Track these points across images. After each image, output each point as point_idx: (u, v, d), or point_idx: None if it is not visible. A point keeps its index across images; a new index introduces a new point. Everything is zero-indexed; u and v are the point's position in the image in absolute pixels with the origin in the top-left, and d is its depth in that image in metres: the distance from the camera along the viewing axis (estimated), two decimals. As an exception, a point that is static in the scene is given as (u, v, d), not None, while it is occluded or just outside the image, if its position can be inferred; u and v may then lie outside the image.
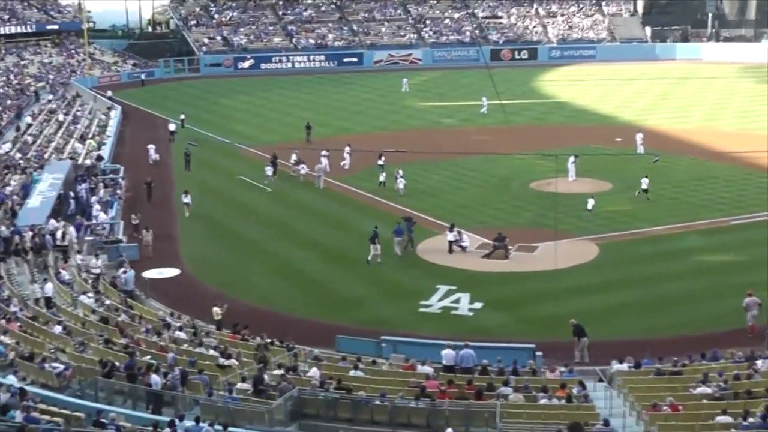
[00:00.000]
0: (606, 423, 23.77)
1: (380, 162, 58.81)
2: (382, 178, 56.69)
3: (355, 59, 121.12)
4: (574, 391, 26.63)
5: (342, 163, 61.63)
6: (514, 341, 33.44)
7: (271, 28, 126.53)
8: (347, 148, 62.34)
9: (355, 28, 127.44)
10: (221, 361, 28.91)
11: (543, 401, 25.84)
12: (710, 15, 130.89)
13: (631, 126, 72.32)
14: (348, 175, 59.49)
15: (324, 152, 60.33)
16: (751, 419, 23.36)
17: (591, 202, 50.01)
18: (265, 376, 26.92)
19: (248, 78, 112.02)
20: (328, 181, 58.08)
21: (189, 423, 21.69)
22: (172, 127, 75.17)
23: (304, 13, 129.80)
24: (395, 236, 44.12)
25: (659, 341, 33.64)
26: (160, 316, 35.84)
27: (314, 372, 28.20)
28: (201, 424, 21.69)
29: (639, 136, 63.82)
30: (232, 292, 39.88)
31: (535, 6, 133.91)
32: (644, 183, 52.52)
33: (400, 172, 55.57)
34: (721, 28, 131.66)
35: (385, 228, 44.44)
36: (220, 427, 21.61)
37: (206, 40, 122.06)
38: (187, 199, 52.34)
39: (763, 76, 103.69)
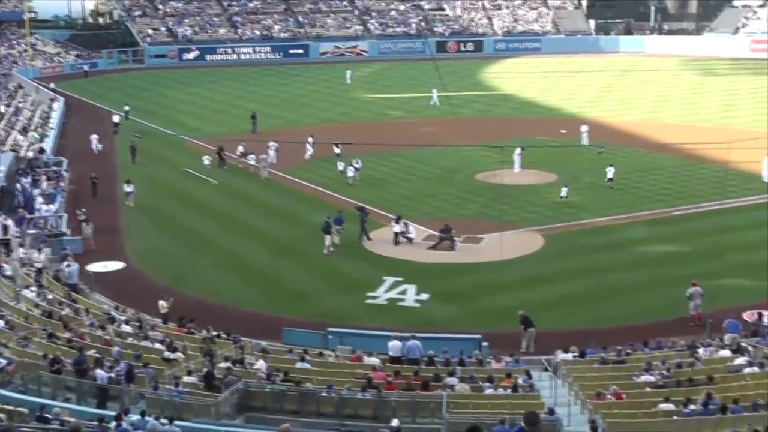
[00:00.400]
0: (551, 412, 24.02)
1: (337, 151, 59.26)
2: (340, 167, 56.74)
3: (301, 51, 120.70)
4: (520, 380, 26.87)
5: (306, 155, 61.55)
6: (460, 332, 33.66)
7: (216, 19, 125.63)
8: (310, 139, 62.36)
9: (300, 19, 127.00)
10: (167, 354, 28.72)
11: (489, 391, 26.04)
12: (653, 8, 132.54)
13: (576, 118, 72.99)
14: (295, 167, 59.30)
15: (272, 143, 60.19)
16: (692, 406, 23.79)
17: (564, 191, 50.86)
18: (214, 371, 26.81)
19: (193, 69, 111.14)
20: (276, 174, 57.90)
21: (134, 417, 21.52)
22: (115, 118, 74.29)
23: (250, 5, 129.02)
24: (335, 225, 44.18)
25: (604, 331, 34.05)
26: (105, 309, 35.49)
27: (261, 364, 28.15)
28: (146, 418, 21.52)
29: (584, 128, 64.44)
30: (178, 285, 39.58)
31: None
32: (610, 172, 53.55)
33: (359, 162, 56.24)
34: (663, 21, 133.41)
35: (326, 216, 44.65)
36: (165, 421, 21.47)
37: (150, 31, 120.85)
38: (129, 188, 52.03)
39: (705, 68, 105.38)
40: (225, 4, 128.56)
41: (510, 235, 43.74)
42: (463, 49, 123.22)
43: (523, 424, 10.98)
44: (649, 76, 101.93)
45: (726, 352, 29.52)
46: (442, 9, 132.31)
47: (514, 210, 48.53)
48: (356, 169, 55.97)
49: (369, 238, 44.72)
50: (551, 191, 53.05)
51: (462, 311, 36.74)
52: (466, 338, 32.52)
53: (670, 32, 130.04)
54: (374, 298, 37.89)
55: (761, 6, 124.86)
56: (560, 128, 69.82)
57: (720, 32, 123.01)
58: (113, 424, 20.40)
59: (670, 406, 23.97)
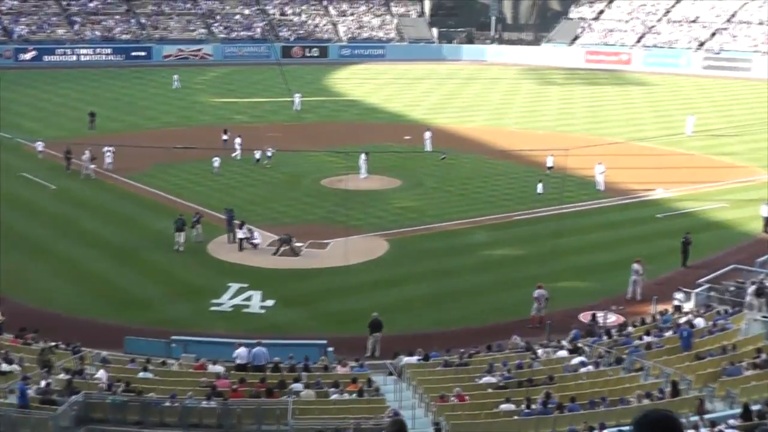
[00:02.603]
0: (396, 415, 24.24)
1: (224, 137, 63.90)
2: (257, 155, 60.55)
3: (143, 53, 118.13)
4: (365, 385, 27.06)
5: (234, 155, 61.45)
6: (306, 337, 33.67)
7: (54, 18, 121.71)
8: (238, 139, 62.56)
9: (143, 21, 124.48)
10: (3, 367, 27.66)
11: (334, 396, 26.13)
12: (493, 18, 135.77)
13: (420, 124, 73.98)
14: (137, 172, 58.02)
15: (107, 148, 58.67)
16: (533, 406, 24.45)
17: (540, 187, 52.46)
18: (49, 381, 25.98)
19: (31, 70, 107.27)
20: (117, 179, 56.58)
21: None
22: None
23: (90, 5, 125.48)
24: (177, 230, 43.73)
25: (448, 333, 34.68)
26: (-66, 321, 33.93)
27: (101, 374, 27.49)
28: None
29: (427, 134, 65.40)
30: (14, 294, 38.18)
31: (325, 4, 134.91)
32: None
33: (271, 149, 60.59)
34: (503, 32, 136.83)
35: (169, 222, 44.27)
36: (0, 436, 20.68)
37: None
38: None
39: (543, 78, 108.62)
40: (64, 3, 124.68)
41: (355, 241, 44.02)
42: (308, 54, 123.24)
43: None
44: (491, 85, 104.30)
45: (563, 353, 30.50)
46: (287, 14, 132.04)
47: (359, 215, 48.86)
48: (268, 157, 60.48)
49: (234, 241, 44.30)
50: (395, 196, 53.73)
51: (308, 317, 36.77)
52: (311, 344, 32.55)
53: (510, 42, 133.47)
54: (219, 305, 37.51)
55: (595, 19, 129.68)
56: (405, 134, 70.64)
57: (557, 43, 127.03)
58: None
59: (511, 406, 24.60)
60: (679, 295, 36.23)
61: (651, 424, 6.96)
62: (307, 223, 48.06)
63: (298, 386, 26.74)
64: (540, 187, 53.08)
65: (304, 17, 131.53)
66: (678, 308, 35.25)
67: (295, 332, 34.74)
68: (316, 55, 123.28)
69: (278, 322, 36.01)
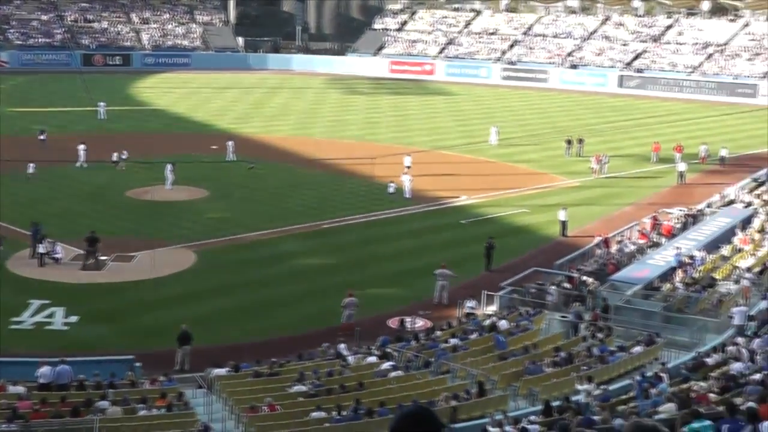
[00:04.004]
0: (206, 428, 24.04)
1: (41, 137, 66.17)
2: (114, 158, 61.15)
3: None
4: (175, 399, 26.65)
5: (77, 163, 61.60)
6: (112, 353, 32.82)
7: None
8: (81, 146, 62.37)
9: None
10: None
11: (143, 412, 25.61)
12: (299, 28, 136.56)
13: (227, 134, 73.47)
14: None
15: None
16: (344, 412, 24.73)
17: (392, 187, 55.06)
18: None
19: None
20: None
21: None
22: None
23: None
24: None
25: (259, 344, 34.52)
26: None
27: None
28: None
29: (230, 144, 65.06)
30: None
31: (127, 11, 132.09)
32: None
33: (125, 153, 61.44)
34: (309, 41, 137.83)
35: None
36: None
37: None
38: None
39: (349, 87, 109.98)
40: None
41: (162, 253, 43.28)
42: (110, 62, 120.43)
43: None
44: (298, 93, 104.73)
45: (373, 358, 30.94)
46: (88, 21, 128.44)
47: (166, 227, 48.07)
48: (123, 159, 61.24)
49: (36, 256, 42.54)
50: (203, 207, 53.15)
51: (113, 332, 35.82)
52: (118, 359, 31.76)
53: (316, 51, 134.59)
54: (19, 322, 36.02)
55: (398, 30, 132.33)
56: (211, 144, 69.97)
57: (362, 53, 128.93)
58: None
59: (322, 414, 24.79)
60: (470, 303, 37.30)
61: (404, 418, 7.20)
62: (113, 235, 46.77)
63: (104, 404, 26.04)
64: (392, 187, 54.76)
65: (105, 24, 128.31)
66: (470, 315, 36.29)
67: (100, 348, 33.79)
68: (119, 63, 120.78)
69: (83, 339, 34.93)
